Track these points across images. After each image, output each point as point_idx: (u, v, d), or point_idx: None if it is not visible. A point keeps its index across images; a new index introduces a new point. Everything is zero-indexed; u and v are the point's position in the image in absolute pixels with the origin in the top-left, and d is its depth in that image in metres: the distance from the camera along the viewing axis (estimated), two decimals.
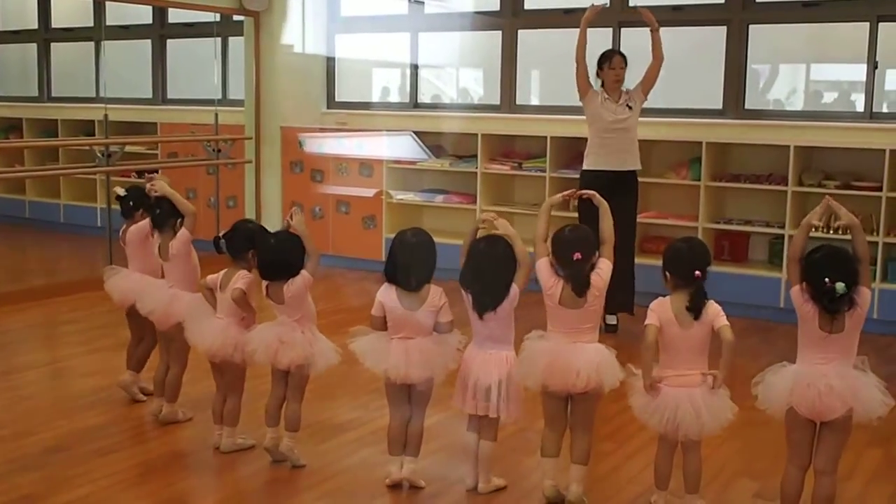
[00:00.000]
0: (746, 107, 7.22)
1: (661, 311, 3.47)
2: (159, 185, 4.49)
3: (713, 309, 3.45)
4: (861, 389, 3.26)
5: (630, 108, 6.22)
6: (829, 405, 3.23)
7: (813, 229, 3.44)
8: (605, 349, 3.61)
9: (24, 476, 3.88)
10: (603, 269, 3.62)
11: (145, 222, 4.66)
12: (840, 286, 3.17)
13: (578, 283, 3.55)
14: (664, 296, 3.52)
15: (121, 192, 4.83)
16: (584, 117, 6.41)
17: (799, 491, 3.38)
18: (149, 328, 4.72)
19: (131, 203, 4.77)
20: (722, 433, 3.54)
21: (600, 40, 7.36)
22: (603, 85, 6.26)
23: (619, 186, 6.09)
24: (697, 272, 3.43)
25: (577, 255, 3.54)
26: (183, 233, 4.44)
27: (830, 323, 3.24)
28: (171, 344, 4.49)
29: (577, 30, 6.32)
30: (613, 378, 3.56)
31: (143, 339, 4.82)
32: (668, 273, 3.52)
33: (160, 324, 4.53)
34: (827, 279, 3.19)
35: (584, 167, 6.33)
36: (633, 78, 6.30)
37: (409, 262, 3.68)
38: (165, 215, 4.49)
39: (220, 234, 4.18)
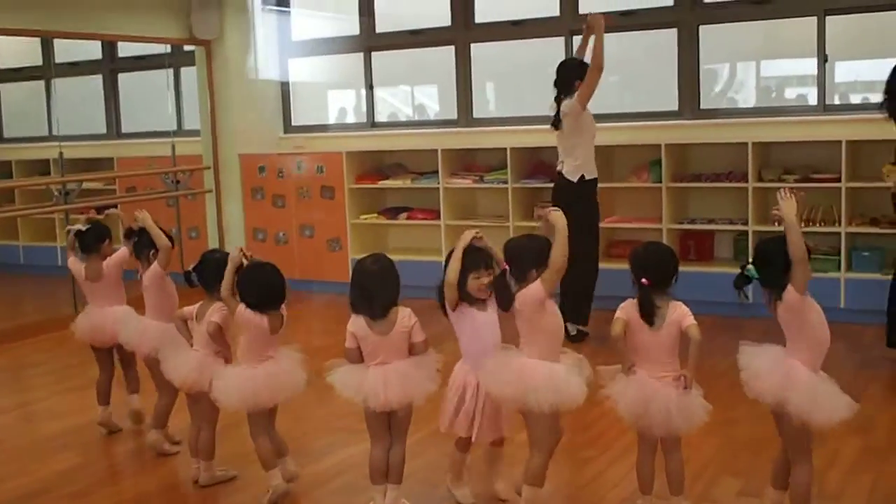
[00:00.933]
0: (702, 107, 7.29)
1: (630, 311, 3.47)
2: (142, 217, 4.55)
3: (680, 310, 3.44)
4: (803, 391, 3.24)
5: None
6: (758, 390, 3.31)
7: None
8: (537, 366, 3.48)
9: None
10: (530, 289, 3.49)
11: (119, 255, 4.77)
12: (750, 269, 3.34)
13: (497, 293, 3.58)
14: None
15: (81, 227, 4.85)
16: (542, 126, 6.42)
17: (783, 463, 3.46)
18: (110, 360, 4.85)
19: (92, 239, 4.82)
20: (700, 432, 3.53)
21: (551, 50, 7.44)
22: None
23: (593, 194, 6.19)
24: (644, 279, 3.43)
25: (505, 266, 3.59)
26: (154, 267, 4.48)
27: (771, 307, 3.34)
28: (154, 374, 4.48)
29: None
30: (553, 398, 3.43)
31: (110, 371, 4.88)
32: (633, 276, 3.54)
33: (138, 352, 4.60)
34: (750, 261, 3.37)
35: (587, 177, 6.17)
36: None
37: (371, 291, 3.65)
38: (142, 245, 4.59)
39: (191, 268, 4.15)
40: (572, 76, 6.10)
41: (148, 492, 4.15)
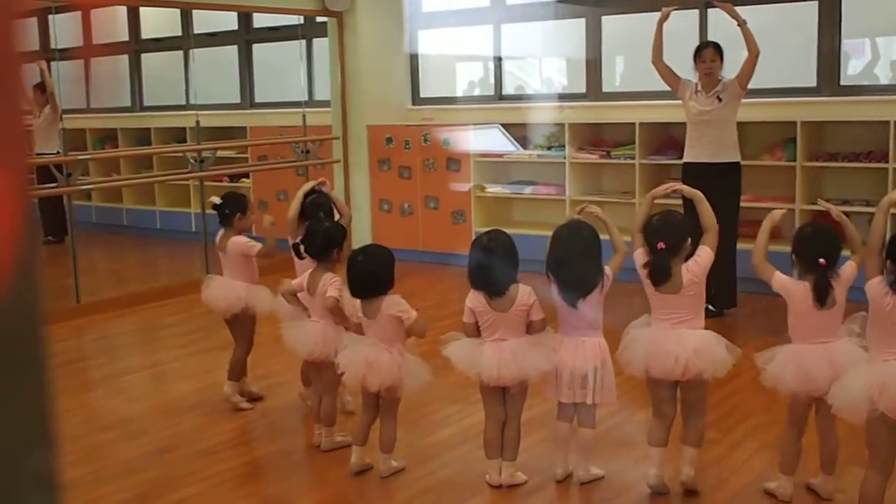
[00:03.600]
0: (842, 83, 7.01)
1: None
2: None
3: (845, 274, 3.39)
4: None
5: (720, 100, 6.11)
6: None
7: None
8: (710, 336, 3.57)
9: (135, 477, 3.98)
10: (701, 257, 3.60)
11: (244, 239, 4.75)
12: None
13: (658, 272, 3.54)
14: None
15: (217, 200, 4.84)
16: (671, 101, 6.37)
17: (882, 498, 3.17)
18: (247, 334, 4.81)
19: (227, 210, 4.79)
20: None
21: (684, 23, 7.26)
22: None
23: (712, 179, 6.02)
24: (821, 259, 3.36)
25: (661, 245, 3.53)
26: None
27: None
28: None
29: (660, 13, 6.27)
30: (719, 365, 3.52)
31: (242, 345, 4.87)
32: (794, 257, 3.49)
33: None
34: None
35: (683, 159, 6.40)
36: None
37: (490, 268, 3.66)
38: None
39: (298, 240, 4.22)
40: None
41: (272, 453, 4.27)
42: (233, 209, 4.79)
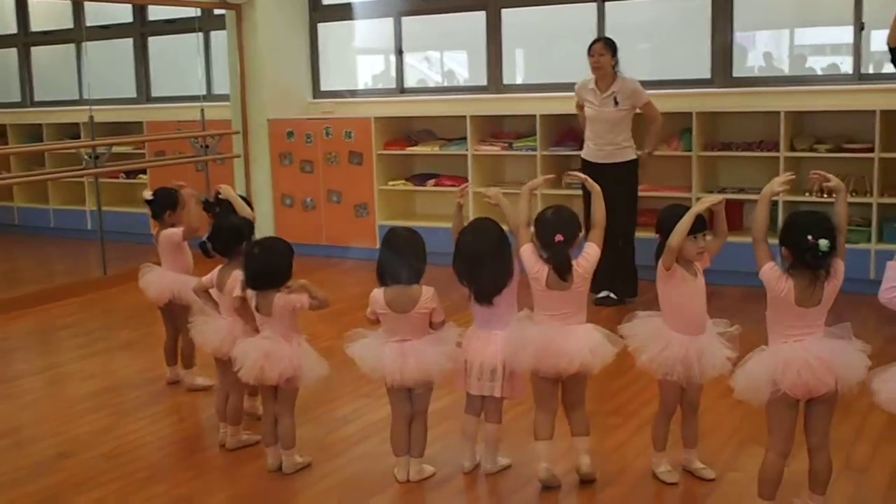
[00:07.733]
0: (734, 75, 7.20)
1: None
2: (224, 189, 4.63)
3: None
4: (849, 358, 3.15)
5: (616, 102, 6.25)
6: (822, 380, 3.10)
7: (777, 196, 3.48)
8: (595, 330, 3.61)
9: (34, 483, 3.87)
10: (589, 253, 3.61)
11: (177, 231, 4.84)
12: (823, 242, 3.04)
13: (561, 265, 3.53)
14: (654, 267, 3.60)
15: (148, 195, 4.99)
16: (571, 93, 6.47)
17: (781, 478, 3.25)
18: (182, 322, 4.72)
19: (157, 206, 4.94)
20: (726, 403, 3.51)
21: (582, 16, 7.36)
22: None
23: (609, 177, 6.12)
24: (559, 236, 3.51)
25: (559, 237, 3.52)
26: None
27: (808, 296, 3.11)
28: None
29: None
30: (605, 358, 3.57)
31: (179, 333, 4.94)
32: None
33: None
34: (810, 236, 3.05)
35: (582, 154, 6.54)
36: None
37: (394, 263, 3.65)
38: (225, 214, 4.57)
39: (205, 238, 4.16)
40: None
41: (175, 454, 4.20)
42: (163, 205, 4.94)
